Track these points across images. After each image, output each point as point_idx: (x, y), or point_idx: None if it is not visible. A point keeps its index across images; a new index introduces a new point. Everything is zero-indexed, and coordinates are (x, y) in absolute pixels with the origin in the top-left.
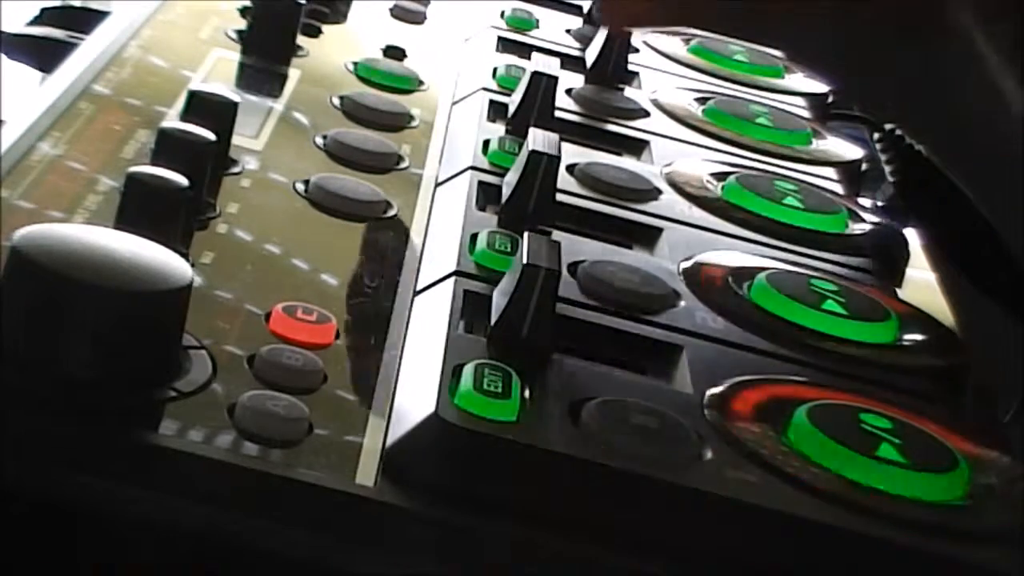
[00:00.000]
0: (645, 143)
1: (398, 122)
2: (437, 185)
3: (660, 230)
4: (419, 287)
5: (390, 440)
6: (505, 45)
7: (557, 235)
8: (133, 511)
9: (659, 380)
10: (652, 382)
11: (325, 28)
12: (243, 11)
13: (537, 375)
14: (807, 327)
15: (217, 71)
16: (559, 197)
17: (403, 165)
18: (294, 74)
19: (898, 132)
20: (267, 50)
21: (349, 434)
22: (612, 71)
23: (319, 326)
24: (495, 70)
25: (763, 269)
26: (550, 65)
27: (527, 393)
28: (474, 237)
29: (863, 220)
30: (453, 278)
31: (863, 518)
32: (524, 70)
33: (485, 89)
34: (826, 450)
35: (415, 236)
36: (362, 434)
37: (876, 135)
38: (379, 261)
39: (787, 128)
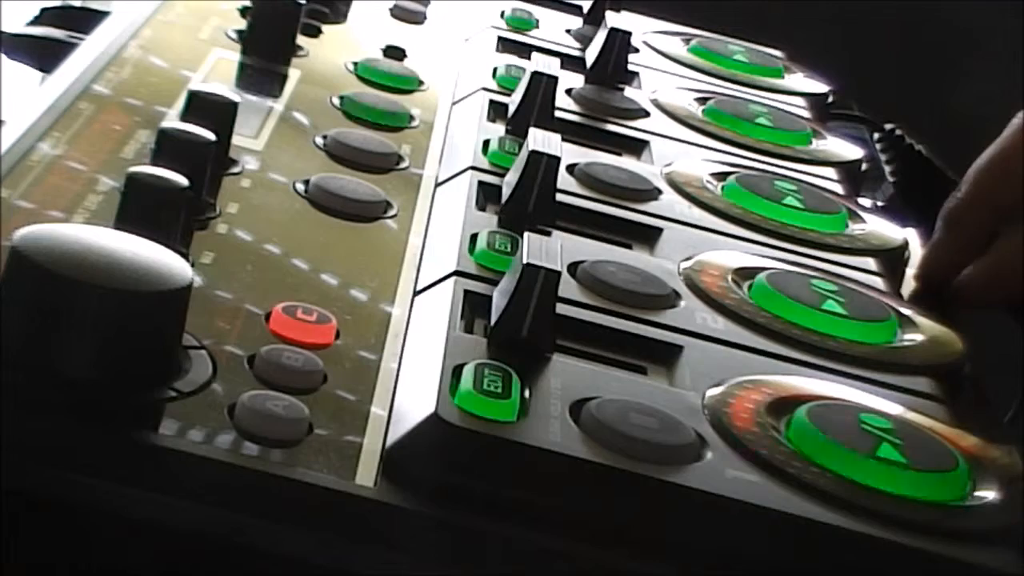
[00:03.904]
0: (645, 143)
1: (398, 122)
2: (437, 185)
3: (660, 230)
4: (419, 287)
5: (390, 440)
6: (505, 45)
7: (557, 235)
8: (133, 511)
9: (659, 380)
10: (652, 382)
11: (325, 28)
12: (243, 11)
13: (537, 375)
14: (807, 327)
15: (217, 71)
16: (559, 197)
17: (403, 165)
18: (294, 74)
19: (898, 132)
20: (267, 50)
21: (349, 434)
22: (612, 71)
23: (319, 326)
24: (495, 70)
25: (763, 269)
26: (550, 65)
27: (527, 393)
28: (474, 237)
29: (863, 220)
30: (453, 278)
31: (863, 518)
32: (524, 70)
33: (485, 89)
34: (826, 450)
35: (415, 236)
36: (362, 434)
37: (876, 135)
38: (379, 261)
39: (787, 128)
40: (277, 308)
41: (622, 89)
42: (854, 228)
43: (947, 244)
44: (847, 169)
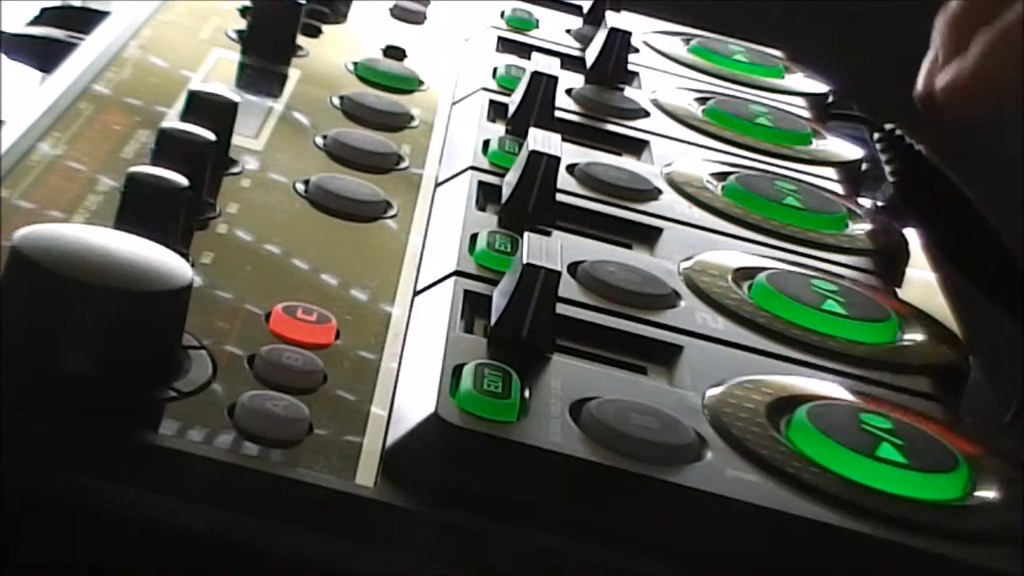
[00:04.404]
0: (645, 143)
1: (398, 122)
2: (437, 185)
3: (660, 230)
4: (419, 287)
5: (390, 440)
6: (505, 45)
7: (557, 235)
8: (133, 511)
9: (659, 380)
10: (652, 382)
11: (325, 28)
12: (243, 11)
13: (537, 375)
14: (807, 327)
15: (217, 71)
16: (559, 197)
17: (403, 165)
18: (294, 74)
19: (898, 132)
20: (267, 50)
21: (349, 434)
22: (612, 71)
23: (319, 326)
24: (495, 70)
25: (763, 269)
26: (550, 65)
27: (527, 393)
28: (474, 237)
29: (863, 220)
30: (453, 278)
31: (863, 518)
32: (524, 70)
33: (485, 89)
34: (826, 450)
35: (415, 236)
36: (362, 434)
37: (876, 135)
38: (379, 261)
39: (787, 128)
40: (277, 308)
41: (622, 89)
42: (854, 228)
43: (949, 50)
44: (847, 169)
